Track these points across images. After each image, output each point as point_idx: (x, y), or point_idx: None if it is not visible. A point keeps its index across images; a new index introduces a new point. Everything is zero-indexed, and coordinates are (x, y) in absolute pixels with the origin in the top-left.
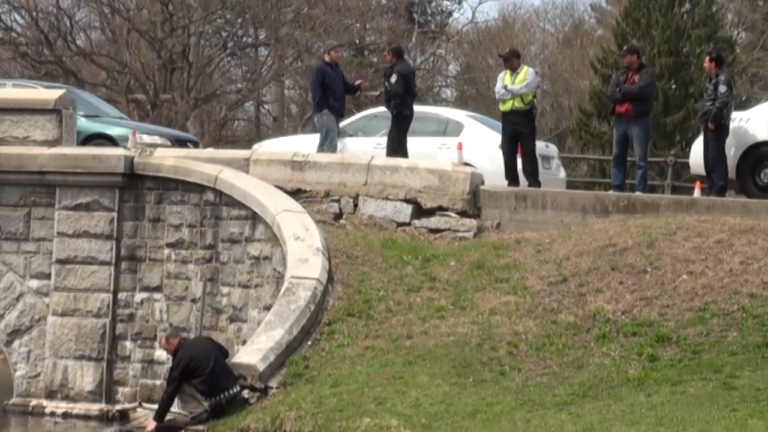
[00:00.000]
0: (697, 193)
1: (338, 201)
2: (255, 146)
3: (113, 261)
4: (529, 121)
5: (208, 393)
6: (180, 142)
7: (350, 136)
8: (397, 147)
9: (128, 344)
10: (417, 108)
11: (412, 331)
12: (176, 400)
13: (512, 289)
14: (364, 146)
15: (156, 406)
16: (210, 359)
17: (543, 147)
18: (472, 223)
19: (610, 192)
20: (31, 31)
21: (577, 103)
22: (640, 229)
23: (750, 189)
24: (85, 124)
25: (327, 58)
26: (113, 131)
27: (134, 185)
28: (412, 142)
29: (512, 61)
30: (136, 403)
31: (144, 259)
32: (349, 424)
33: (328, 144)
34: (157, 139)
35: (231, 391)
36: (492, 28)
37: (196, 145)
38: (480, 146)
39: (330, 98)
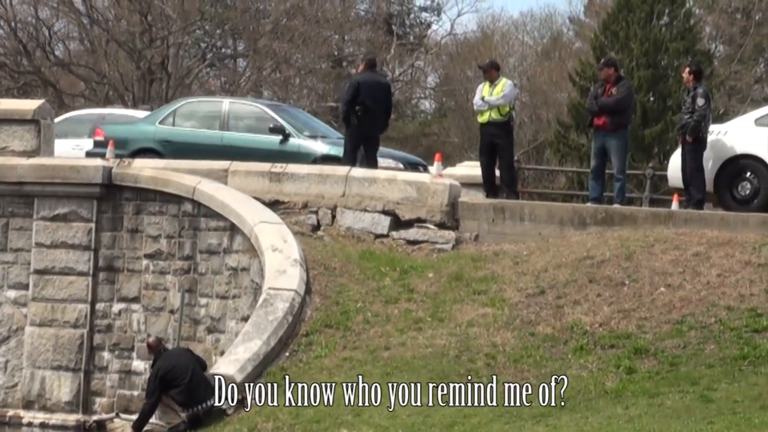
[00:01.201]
0: (675, 205)
1: (316, 212)
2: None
3: (91, 271)
4: (507, 133)
5: (186, 404)
6: (412, 166)
7: (57, 137)
8: (344, 153)
9: (106, 355)
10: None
11: (390, 342)
12: None
13: (490, 301)
14: (64, 147)
15: (133, 417)
16: (188, 370)
17: None
18: (451, 235)
19: (588, 204)
20: (9, 42)
21: (555, 116)
22: (618, 242)
23: (727, 202)
24: (311, 146)
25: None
26: (342, 152)
27: (112, 196)
28: None
29: (491, 72)
30: (113, 414)
31: (122, 269)
32: None
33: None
34: (390, 163)
35: (208, 402)
36: (471, 40)
37: (425, 168)
38: None
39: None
